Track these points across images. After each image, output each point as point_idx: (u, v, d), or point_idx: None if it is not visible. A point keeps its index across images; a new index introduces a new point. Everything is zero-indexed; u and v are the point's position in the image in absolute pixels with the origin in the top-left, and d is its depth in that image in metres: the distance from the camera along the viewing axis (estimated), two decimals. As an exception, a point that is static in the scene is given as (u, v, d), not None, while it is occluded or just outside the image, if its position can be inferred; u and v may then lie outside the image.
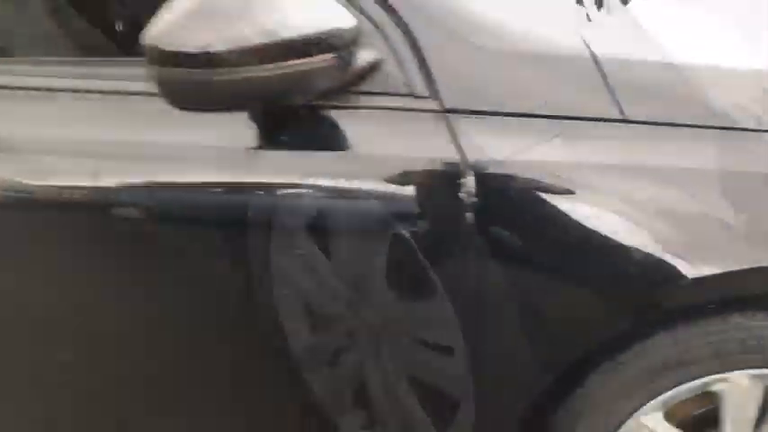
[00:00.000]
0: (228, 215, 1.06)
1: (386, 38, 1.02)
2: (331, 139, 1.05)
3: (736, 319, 1.04)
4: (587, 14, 1.17)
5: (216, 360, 1.17)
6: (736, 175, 0.99)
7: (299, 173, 1.03)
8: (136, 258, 1.10)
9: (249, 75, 0.87)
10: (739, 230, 0.98)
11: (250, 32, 0.86)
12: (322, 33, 0.92)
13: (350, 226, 1.04)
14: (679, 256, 0.98)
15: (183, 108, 0.94)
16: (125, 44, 2.24)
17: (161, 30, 0.89)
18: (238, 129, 1.05)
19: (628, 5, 1.27)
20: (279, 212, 1.04)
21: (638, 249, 0.98)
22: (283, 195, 1.04)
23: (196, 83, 0.87)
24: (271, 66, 0.88)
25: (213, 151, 1.05)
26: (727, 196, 0.97)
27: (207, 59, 0.85)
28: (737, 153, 0.99)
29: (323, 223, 1.04)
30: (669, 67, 1.05)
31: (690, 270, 0.97)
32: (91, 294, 1.14)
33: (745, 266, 0.97)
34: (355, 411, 1.14)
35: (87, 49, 2.04)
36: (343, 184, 1.02)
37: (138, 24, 2.60)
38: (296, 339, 1.09)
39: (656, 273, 1.00)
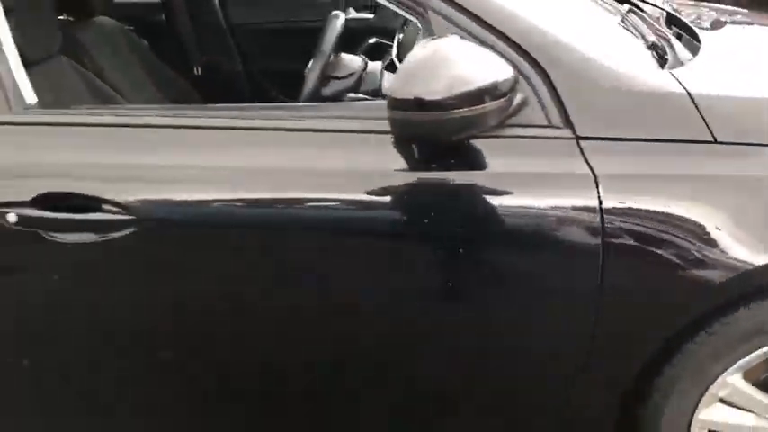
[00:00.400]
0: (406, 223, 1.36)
1: (530, 83, 1.32)
2: (485, 162, 1.34)
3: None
4: (678, 58, 1.50)
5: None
6: None
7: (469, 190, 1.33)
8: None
9: (460, 115, 1.16)
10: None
11: (453, 84, 1.16)
12: (493, 84, 1.21)
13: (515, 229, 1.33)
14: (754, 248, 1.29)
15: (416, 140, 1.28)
16: (203, 87, 2.53)
17: (397, 86, 1.18)
18: (405, 155, 1.34)
19: (700, 51, 1.59)
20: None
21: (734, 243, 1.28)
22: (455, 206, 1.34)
23: (430, 121, 1.17)
24: (465, 109, 1.17)
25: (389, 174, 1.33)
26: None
27: (434, 105, 1.15)
28: None
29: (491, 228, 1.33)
30: (747, 99, 1.37)
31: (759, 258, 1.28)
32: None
33: None
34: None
35: (174, 93, 2.30)
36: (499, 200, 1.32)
37: (215, 68, 2.85)
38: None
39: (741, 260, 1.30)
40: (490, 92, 1.21)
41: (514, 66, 1.29)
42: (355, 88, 1.78)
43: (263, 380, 1.49)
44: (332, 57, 1.77)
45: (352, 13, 2.77)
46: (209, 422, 1.56)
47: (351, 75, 1.79)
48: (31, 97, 1.44)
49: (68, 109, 1.57)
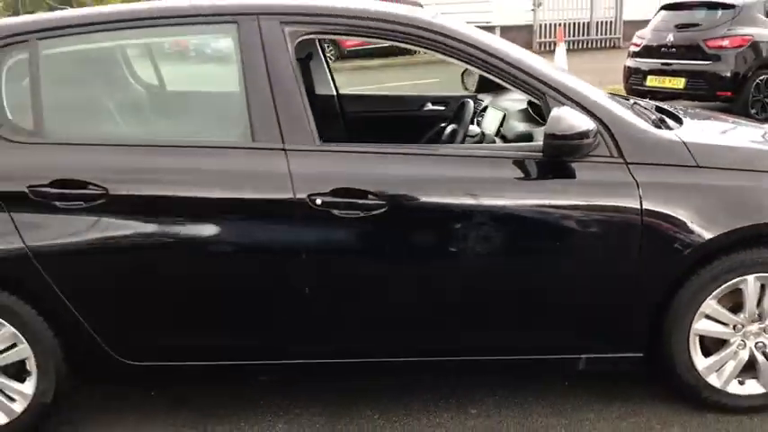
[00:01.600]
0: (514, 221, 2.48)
1: (602, 133, 2.47)
2: (576, 174, 2.47)
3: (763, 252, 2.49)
4: (671, 126, 2.71)
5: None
6: None
7: (562, 197, 2.46)
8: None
9: (574, 142, 2.32)
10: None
11: (572, 127, 2.32)
12: (587, 130, 2.36)
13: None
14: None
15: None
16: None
17: (548, 128, 2.33)
18: (524, 170, 2.47)
19: (683, 124, 2.80)
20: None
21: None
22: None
23: (561, 145, 2.33)
24: (575, 141, 2.33)
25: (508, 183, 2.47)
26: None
27: (563, 137, 2.30)
28: None
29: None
30: (711, 143, 2.58)
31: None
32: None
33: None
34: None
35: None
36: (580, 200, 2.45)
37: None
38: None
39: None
40: (586, 134, 2.36)
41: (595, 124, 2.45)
42: (480, 141, 2.96)
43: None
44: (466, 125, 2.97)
45: (430, 106, 3.97)
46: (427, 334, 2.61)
47: (476, 135, 2.98)
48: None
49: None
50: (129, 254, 2.46)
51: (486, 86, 3.81)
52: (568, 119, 2.35)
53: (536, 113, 3.08)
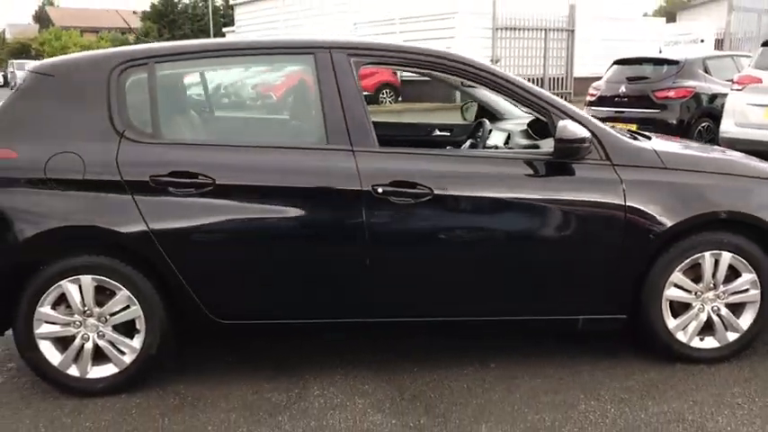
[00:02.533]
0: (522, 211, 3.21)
1: (593, 142, 3.24)
2: (576, 172, 3.23)
3: (721, 233, 3.28)
4: (643, 140, 3.52)
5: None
6: None
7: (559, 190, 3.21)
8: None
9: (575, 146, 3.09)
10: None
11: (575, 133, 3.08)
12: (584, 137, 3.14)
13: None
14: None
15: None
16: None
17: (557, 135, 3.08)
18: (535, 169, 3.23)
19: (652, 140, 3.61)
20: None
21: None
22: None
23: (567, 147, 3.09)
24: (576, 144, 3.10)
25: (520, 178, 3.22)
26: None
27: (569, 140, 3.07)
28: None
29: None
30: (673, 151, 3.38)
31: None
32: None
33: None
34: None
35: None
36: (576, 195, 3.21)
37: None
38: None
39: None
40: (584, 139, 3.12)
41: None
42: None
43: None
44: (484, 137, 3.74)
45: (438, 132, 4.74)
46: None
47: (491, 147, 3.76)
48: None
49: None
50: (228, 231, 3.11)
51: (481, 117, 4.61)
52: (572, 128, 3.12)
53: (534, 132, 3.86)
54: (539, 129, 3.85)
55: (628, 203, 3.21)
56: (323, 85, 3.19)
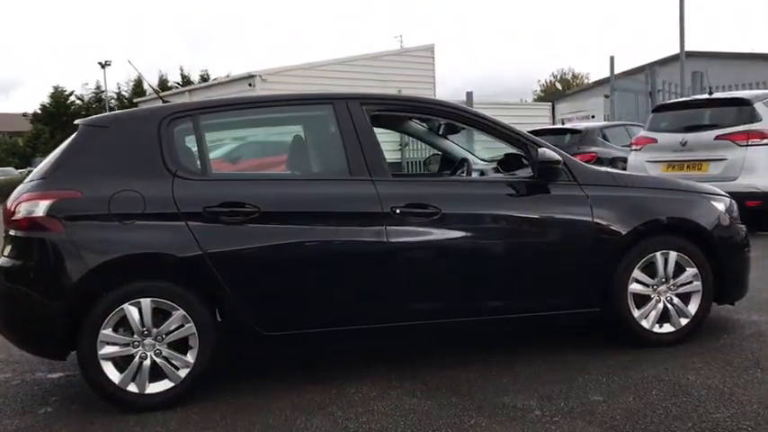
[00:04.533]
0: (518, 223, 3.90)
1: (563, 167, 3.99)
2: (551, 191, 3.95)
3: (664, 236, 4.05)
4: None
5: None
6: None
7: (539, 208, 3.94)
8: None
9: (557, 167, 3.83)
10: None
11: (555, 157, 3.82)
12: (560, 159, 3.89)
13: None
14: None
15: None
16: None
17: (542, 157, 3.82)
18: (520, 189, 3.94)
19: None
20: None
21: None
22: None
23: (549, 168, 3.83)
24: (556, 166, 3.84)
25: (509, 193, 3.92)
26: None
27: (553, 161, 3.80)
28: None
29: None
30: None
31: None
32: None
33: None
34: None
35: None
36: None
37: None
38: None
39: None
40: (559, 161, 3.88)
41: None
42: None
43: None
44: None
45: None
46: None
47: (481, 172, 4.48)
48: None
49: None
50: (273, 252, 3.61)
51: (444, 169, 5.33)
52: (549, 152, 3.87)
53: (503, 170, 4.60)
54: (507, 167, 4.59)
55: (594, 215, 3.95)
56: (342, 128, 3.82)
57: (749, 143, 8.41)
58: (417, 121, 5.10)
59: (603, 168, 4.28)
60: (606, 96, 18.34)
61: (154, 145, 3.63)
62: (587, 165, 4.20)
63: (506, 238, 3.89)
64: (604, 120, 15.90)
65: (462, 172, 4.65)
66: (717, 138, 8.50)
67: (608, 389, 3.49)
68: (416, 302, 3.80)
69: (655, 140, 9.07)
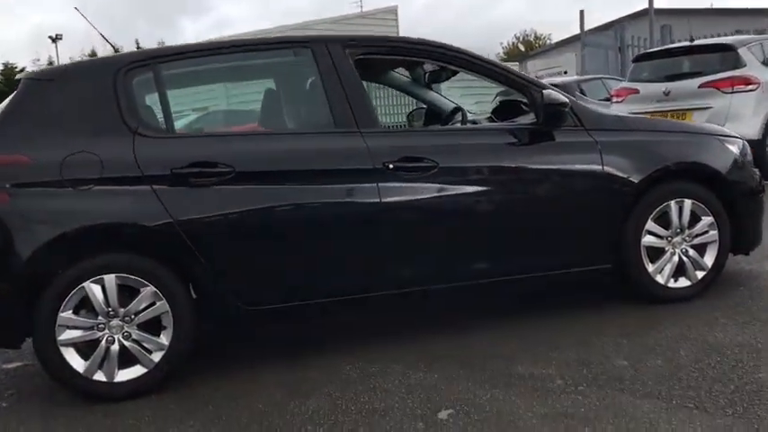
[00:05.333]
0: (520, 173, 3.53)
1: (569, 112, 3.61)
2: (556, 137, 3.59)
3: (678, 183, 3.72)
4: (607, 107, 3.94)
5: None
6: None
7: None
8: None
9: (565, 109, 3.46)
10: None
11: (562, 98, 3.45)
12: (567, 101, 3.51)
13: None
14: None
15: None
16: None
17: (547, 99, 3.43)
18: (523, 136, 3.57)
19: (612, 106, 4.07)
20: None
21: None
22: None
23: (557, 111, 3.47)
24: (564, 108, 3.47)
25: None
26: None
27: (561, 104, 3.43)
28: None
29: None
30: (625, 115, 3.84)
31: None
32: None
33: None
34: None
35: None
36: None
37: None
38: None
39: None
40: (566, 104, 3.50)
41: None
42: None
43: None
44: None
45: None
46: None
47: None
48: None
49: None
50: (252, 216, 3.19)
51: (429, 123, 4.92)
52: (556, 94, 3.49)
53: (499, 119, 4.22)
54: (503, 115, 4.21)
55: (605, 162, 3.59)
56: (324, 74, 3.38)
57: (734, 90, 8.15)
58: (400, 73, 4.70)
59: (611, 111, 3.92)
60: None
61: (110, 99, 3.17)
62: (594, 108, 3.85)
63: (510, 192, 3.51)
64: (576, 75, 15.56)
65: (456, 123, 4.25)
66: (701, 86, 8.23)
67: (631, 351, 3.16)
68: (414, 267, 3.42)
69: (637, 91, 8.76)
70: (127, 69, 3.23)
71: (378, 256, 3.35)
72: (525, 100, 4.00)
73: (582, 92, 10.92)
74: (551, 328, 3.56)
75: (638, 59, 9.36)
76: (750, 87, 8.05)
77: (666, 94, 8.39)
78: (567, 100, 3.53)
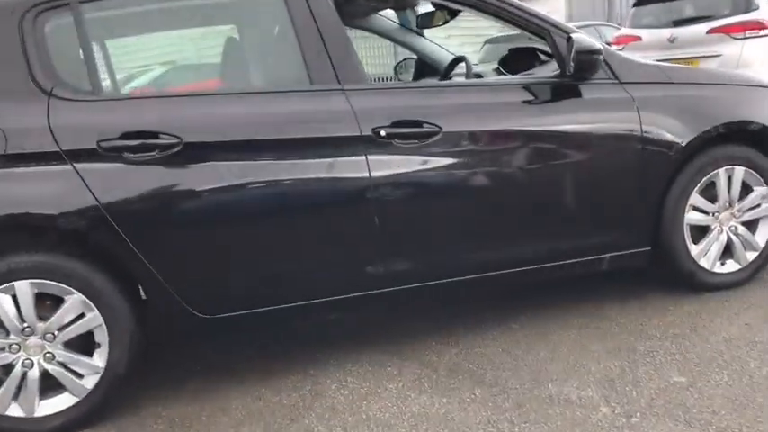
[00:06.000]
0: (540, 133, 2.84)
1: (602, 64, 2.91)
2: (583, 92, 2.90)
3: (729, 147, 3.04)
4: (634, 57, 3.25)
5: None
6: None
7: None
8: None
9: (598, 57, 2.75)
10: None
11: (596, 44, 2.74)
12: (600, 48, 2.80)
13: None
14: None
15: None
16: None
17: (577, 45, 2.72)
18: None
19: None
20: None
21: None
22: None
23: (590, 59, 2.76)
24: (596, 56, 2.76)
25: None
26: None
27: (595, 51, 2.72)
28: None
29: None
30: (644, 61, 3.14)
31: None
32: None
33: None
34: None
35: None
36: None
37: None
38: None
39: None
40: (600, 51, 2.79)
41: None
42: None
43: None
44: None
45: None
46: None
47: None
48: None
49: None
50: (205, 201, 2.48)
51: (420, 76, 4.19)
52: (587, 40, 2.79)
53: (508, 71, 3.51)
54: (511, 67, 3.51)
55: (643, 123, 2.92)
56: (295, 17, 2.64)
57: (746, 36, 7.47)
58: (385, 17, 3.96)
59: (648, 60, 3.23)
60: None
61: (13, 51, 2.41)
62: (629, 56, 3.15)
63: (530, 163, 2.82)
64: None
65: (459, 78, 3.53)
66: (709, 31, 7.52)
67: (685, 363, 2.54)
68: (410, 259, 2.74)
69: (639, 38, 8.04)
70: (38, 11, 2.47)
71: (365, 246, 2.66)
72: (537, 48, 3.35)
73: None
74: (582, 329, 2.92)
75: (639, 3, 8.60)
76: (764, 33, 7.35)
77: (671, 41, 7.69)
78: (600, 46, 2.83)
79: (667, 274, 3.18)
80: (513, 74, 3.37)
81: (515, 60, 3.51)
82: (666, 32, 7.76)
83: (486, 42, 10.67)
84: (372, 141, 2.58)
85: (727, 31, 7.48)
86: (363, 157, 2.58)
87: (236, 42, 3.17)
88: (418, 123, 2.65)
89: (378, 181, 2.60)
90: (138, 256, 2.41)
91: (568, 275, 3.03)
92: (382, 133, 2.59)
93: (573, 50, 2.76)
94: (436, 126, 2.65)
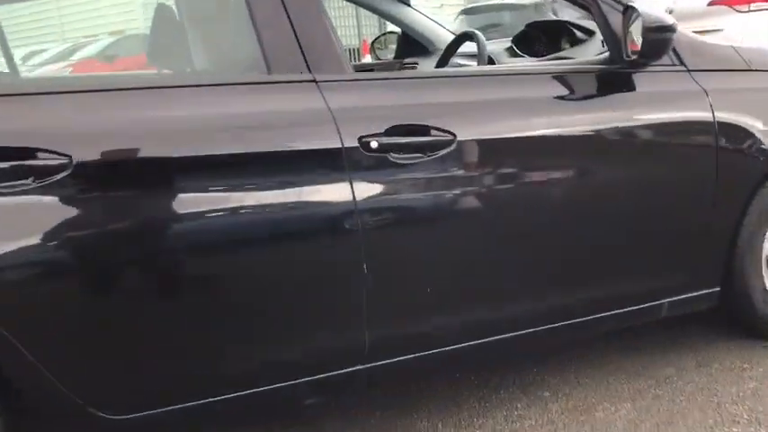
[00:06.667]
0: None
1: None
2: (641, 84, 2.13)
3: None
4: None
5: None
6: None
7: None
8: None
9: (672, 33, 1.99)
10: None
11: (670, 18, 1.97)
12: (673, 24, 2.03)
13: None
14: None
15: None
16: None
17: (647, 22, 1.95)
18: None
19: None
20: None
21: None
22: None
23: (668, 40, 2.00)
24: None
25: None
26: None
27: (669, 27, 1.97)
28: None
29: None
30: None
31: None
32: None
33: None
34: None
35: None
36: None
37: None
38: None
39: None
40: (674, 28, 2.03)
41: None
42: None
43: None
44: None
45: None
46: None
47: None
48: None
49: None
50: (108, 248, 1.65)
51: (405, 54, 3.38)
52: (653, 12, 2.01)
53: (521, 51, 2.72)
54: (526, 46, 2.73)
55: (719, 124, 2.17)
56: None
57: (750, 8, 6.87)
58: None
59: (724, 42, 2.48)
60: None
61: None
62: (699, 37, 2.39)
63: (572, 184, 2.05)
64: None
65: (469, 56, 2.71)
66: (711, 3, 6.94)
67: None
68: (410, 321, 1.95)
69: (634, 10, 7.38)
70: None
71: (349, 305, 1.86)
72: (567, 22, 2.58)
73: (554, 13, 9.42)
74: (636, 400, 2.18)
75: (632, -28, 7.93)
76: (771, 4, 6.79)
77: (669, 13, 7.01)
78: (673, 21, 2.05)
79: (732, 319, 2.46)
80: (532, 56, 2.60)
81: (534, 39, 2.73)
82: (663, 3, 7.09)
83: (461, 13, 9.79)
84: (359, 156, 1.77)
85: (730, 2, 6.86)
86: (346, 180, 1.77)
87: (170, 11, 2.31)
88: (424, 129, 1.85)
89: (366, 211, 1.80)
90: (3, 334, 1.58)
91: (618, 327, 2.28)
92: (373, 144, 1.79)
93: (641, 27, 1.98)
94: (449, 133, 1.86)
